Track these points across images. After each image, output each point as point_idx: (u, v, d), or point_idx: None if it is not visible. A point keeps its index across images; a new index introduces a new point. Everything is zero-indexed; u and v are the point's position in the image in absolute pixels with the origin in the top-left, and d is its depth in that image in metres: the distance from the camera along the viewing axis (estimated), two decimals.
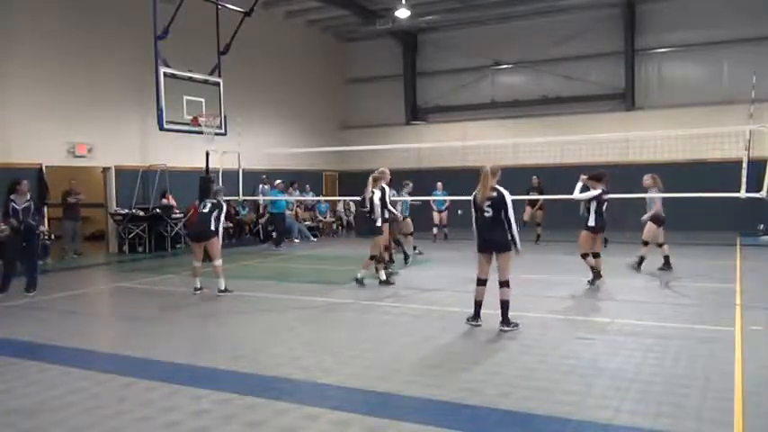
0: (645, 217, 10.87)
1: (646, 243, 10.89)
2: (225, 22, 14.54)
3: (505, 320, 6.94)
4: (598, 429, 4.27)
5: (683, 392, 4.88)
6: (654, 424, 4.29)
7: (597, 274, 9.60)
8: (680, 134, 14.10)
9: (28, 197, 9.84)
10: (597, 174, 9.75)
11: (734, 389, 4.94)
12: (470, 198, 7.24)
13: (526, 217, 15.79)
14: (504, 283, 6.98)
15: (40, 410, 4.78)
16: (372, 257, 10.16)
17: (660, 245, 10.99)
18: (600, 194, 9.53)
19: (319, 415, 4.58)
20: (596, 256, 9.71)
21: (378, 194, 10.08)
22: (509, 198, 6.96)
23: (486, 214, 6.99)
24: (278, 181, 17.07)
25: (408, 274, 10.48)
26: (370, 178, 10.16)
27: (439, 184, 16.64)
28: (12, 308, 8.86)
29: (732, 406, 4.59)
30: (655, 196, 10.73)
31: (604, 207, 9.62)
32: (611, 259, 11.36)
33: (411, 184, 13.90)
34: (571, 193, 10.06)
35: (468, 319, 7.22)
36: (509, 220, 6.95)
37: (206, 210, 9.59)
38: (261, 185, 17.40)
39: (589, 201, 9.58)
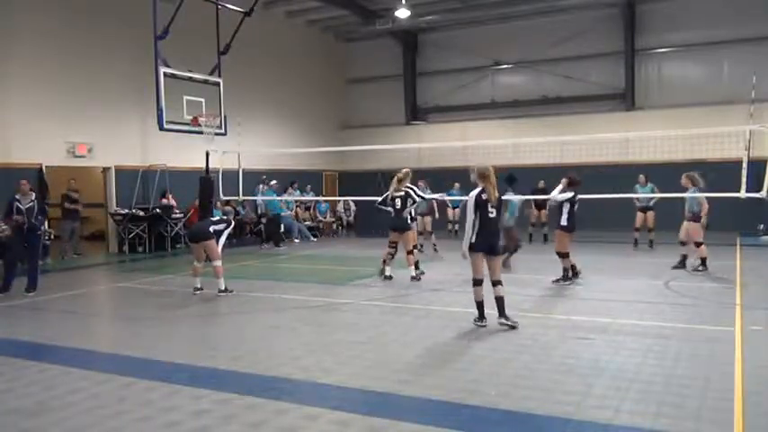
0: (703, 220, 10.98)
1: (699, 244, 10.93)
2: (225, 22, 14.52)
3: (504, 313, 7.02)
4: (598, 429, 4.28)
5: (683, 392, 4.88)
6: (654, 424, 4.30)
7: (567, 275, 9.97)
8: (680, 134, 14.09)
9: (32, 197, 9.85)
10: (574, 179, 10.14)
11: (734, 389, 4.94)
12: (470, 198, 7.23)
13: (532, 219, 16.58)
14: (498, 282, 7.09)
15: (40, 410, 4.78)
16: (410, 252, 10.58)
17: (683, 243, 11.17)
18: (573, 197, 9.98)
19: (319, 415, 4.58)
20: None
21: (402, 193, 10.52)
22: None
23: (491, 215, 7.07)
24: (273, 181, 17.04)
25: (407, 273, 10.47)
26: (401, 174, 10.68)
27: (456, 184, 16.85)
28: (12, 308, 8.86)
29: (732, 406, 4.59)
30: (698, 196, 10.80)
31: (575, 208, 10.06)
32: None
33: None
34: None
35: (474, 320, 7.23)
36: (500, 221, 7.20)
37: (214, 218, 9.97)
38: (260, 185, 17.36)
39: (562, 202, 10.02)
